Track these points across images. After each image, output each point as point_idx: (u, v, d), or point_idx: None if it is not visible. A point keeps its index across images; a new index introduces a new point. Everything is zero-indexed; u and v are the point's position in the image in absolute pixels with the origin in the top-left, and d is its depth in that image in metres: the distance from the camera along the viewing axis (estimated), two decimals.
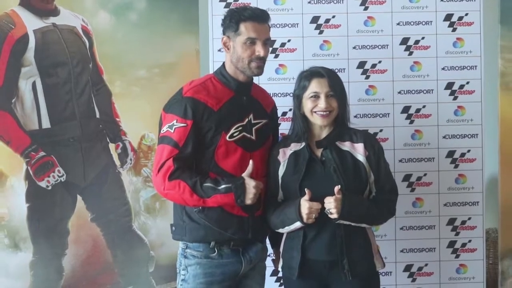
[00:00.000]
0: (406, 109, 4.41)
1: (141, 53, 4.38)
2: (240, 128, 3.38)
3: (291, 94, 4.10)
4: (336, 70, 4.15)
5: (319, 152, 3.45)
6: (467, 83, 4.40)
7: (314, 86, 3.40)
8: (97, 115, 4.38)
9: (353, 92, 4.28)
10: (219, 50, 4.25)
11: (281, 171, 3.46)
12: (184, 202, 3.29)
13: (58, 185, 4.30)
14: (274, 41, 4.32)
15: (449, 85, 4.41)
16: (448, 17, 4.39)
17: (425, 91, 4.41)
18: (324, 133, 3.47)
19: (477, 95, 4.40)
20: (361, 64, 4.40)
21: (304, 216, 3.27)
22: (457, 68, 4.40)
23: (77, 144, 4.32)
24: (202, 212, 3.34)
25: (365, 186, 3.43)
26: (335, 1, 4.38)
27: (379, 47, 4.40)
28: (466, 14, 4.38)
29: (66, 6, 4.31)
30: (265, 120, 3.52)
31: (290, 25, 4.39)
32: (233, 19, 3.35)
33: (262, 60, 3.36)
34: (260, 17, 3.34)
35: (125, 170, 4.44)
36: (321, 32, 4.39)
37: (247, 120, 3.42)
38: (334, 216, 3.27)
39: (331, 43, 4.38)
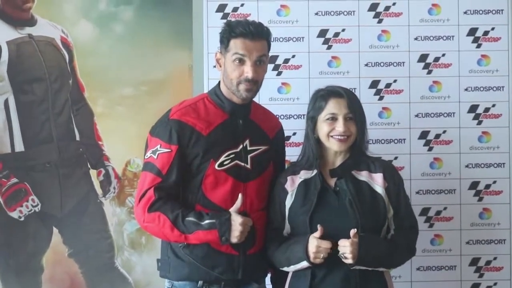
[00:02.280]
0: (424, 134, 4.16)
1: (127, 69, 4.18)
2: (232, 155, 3.20)
3: (295, 116, 3.92)
4: None
5: (332, 181, 3.21)
6: (493, 105, 4.16)
7: (332, 107, 3.18)
8: (77, 138, 4.20)
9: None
10: (215, 66, 3.97)
11: (289, 201, 3.23)
12: (164, 237, 3.16)
13: (31, 216, 4.13)
14: (277, 56, 4.13)
15: (473, 108, 4.16)
16: (472, 31, 4.16)
17: (445, 114, 4.18)
18: (338, 160, 3.24)
19: (504, 120, 4.17)
20: (374, 84, 4.16)
21: (311, 255, 3.03)
22: (481, 89, 4.15)
23: (54, 169, 4.15)
24: (187, 248, 3.17)
25: (383, 222, 3.18)
26: (345, 13, 4.15)
27: (394, 64, 4.17)
28: (493, 29, 4.16)
29: (44, 15, 4.16)
30: (265, 147, 3.31)
31: (294, 39, 4.16)
32: (225, 34, 3.22)
33: (252, 83, 3.16)
34: (252, 33, 3.15)
35: (108, 200, 4.22)
36: (329, 47, 4.15)
37: (241, 146, 3.23)
38: (349, 261, 3.01)
39: (341, 59, 4.15)
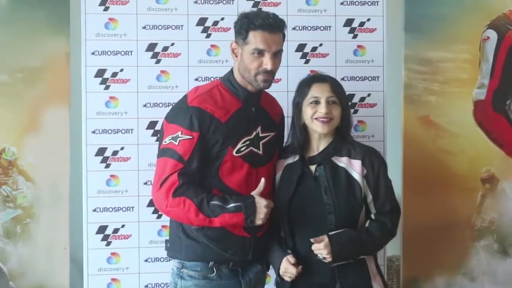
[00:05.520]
0: None
1: (2, 55, 4.02)
2: (247, 142, 3.29)
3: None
4: None
5: (314, 167, 3.33)
6: (369, 95, 4.17)
7: (315, 90, 3.28)
8: None
9: None
10: (93, 53, 3.98)
11: (276, 184, 3.40)
12: (188, 220, 3.18)
13: None
14: (156, 44, 4.03)
15: (349, 98, 4.04)
16: (349, 22, 4.16)
17: None
18: (322, 145, 3.34)
19: (379, 109, 4.18)
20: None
21: (281, 273, 3.25)
22: (357, 78, 4.15)
23: None
24: (201, 230, 3.24)
25: (360, 207, 3.27)
26: (224, 2, 4.09)
27: None
28: (368, 20, 4.16)
29: None
30: (274, 133, 3.43)
31: (174, 27, 4.06)
32: (243, 26, 3.23)
33: (270, 74, 3.23)
34: (272, 25, 3.20)
35: None
36: (208, 36, 4.07)
37: (254, 133, 3.33)
38: (329, 260, 3.15)
39: (219, 48, 4.06)
